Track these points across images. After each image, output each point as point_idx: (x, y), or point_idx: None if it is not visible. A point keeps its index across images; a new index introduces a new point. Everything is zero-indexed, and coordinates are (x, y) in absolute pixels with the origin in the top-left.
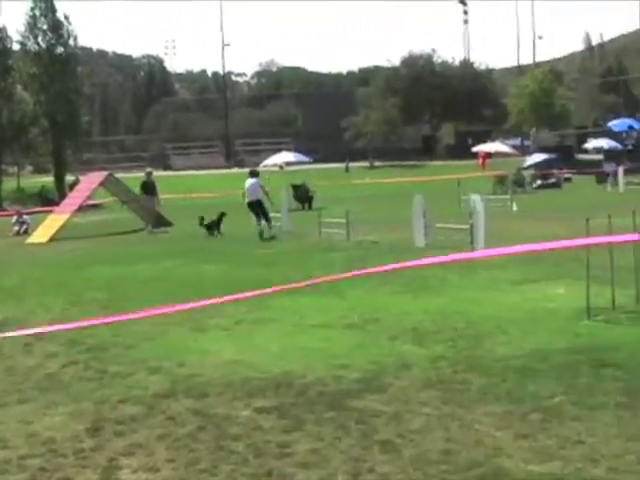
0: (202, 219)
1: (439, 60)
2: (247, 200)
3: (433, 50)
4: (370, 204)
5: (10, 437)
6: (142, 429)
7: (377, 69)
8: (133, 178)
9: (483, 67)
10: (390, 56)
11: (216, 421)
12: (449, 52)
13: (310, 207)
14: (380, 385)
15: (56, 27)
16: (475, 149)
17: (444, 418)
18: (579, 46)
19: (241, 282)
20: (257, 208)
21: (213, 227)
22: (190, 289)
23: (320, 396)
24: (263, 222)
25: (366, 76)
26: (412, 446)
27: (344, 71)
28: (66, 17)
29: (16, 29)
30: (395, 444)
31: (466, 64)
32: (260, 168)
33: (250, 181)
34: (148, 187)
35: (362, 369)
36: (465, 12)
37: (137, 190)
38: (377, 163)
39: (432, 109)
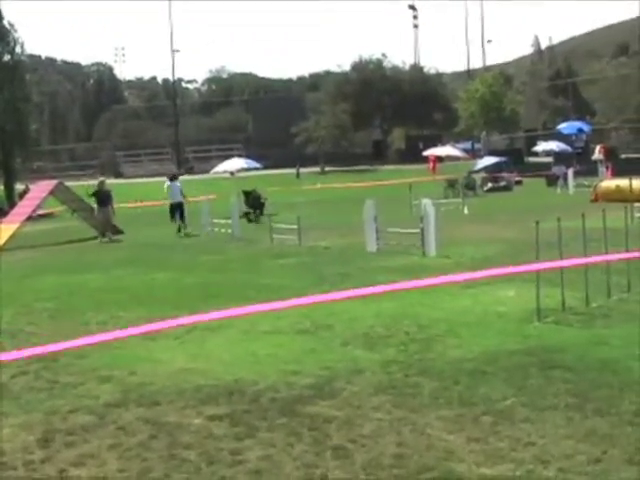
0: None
1: (389, 65)
2: (170, 202)
3: (383, 55)
4: (321, 209)
5: None
6: (93, 439)
7: (327, 74)
8: (83, 186)
9: (433, 71)
10: (340, 61)
11: (168, 429)
12: (399, 57)
13: (261, 213)
14: (332, 390)
15: (2, 35)
16: (426, 153)
17: (396, 423)
18: (528, 49)
19: (191, 289)
20: (178, 209)
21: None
22: (140, 298)
23: (272, 403)
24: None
25: (316, 81)
26: (364, 451)
27: (294, 76)
28: (11, 24)
29: None
30: (347, 449)
31: (416, 68)
32: (211, 175)
33: (173, 184)
34: (101, 196)
35: (314, 375)
36: (415, 17)
37: (89, 199)
38: (328, 168)
39: (383, 114)
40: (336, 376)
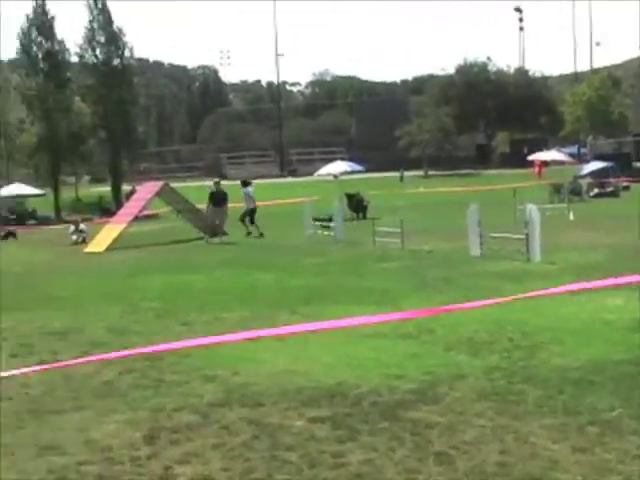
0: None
1: (494, 68)
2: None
3: (488, 58)
4: (424, 213)
5: (68, 444)
6: (197, 438)
7: (431, 77)
8: (188, 187)
9: (538, 74)
10: (444, 65)
11: (270, 430)
12: (504, 60)
13: (364, 217)
14: (434, 396)
15: (113, 39)
16: (531, 157)
17: (499, 430)
18: (637, 52)
19: (294, 291)
20: (248, 214)
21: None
22: (244, 299)
23: (374, 406)
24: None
25: (420, 85)
26: (467, 458)
27: (398, 80)
28: (120, 29)
29: (74, 42)
30: (450, 456)
31: (521, 71)
32: (314, 177)
33: (244, 190)
34: (217, 197)
35: (416, 379)
36: (520, 19)
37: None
38: (431, 172)
39: (487, 117)
40: (439, 381)
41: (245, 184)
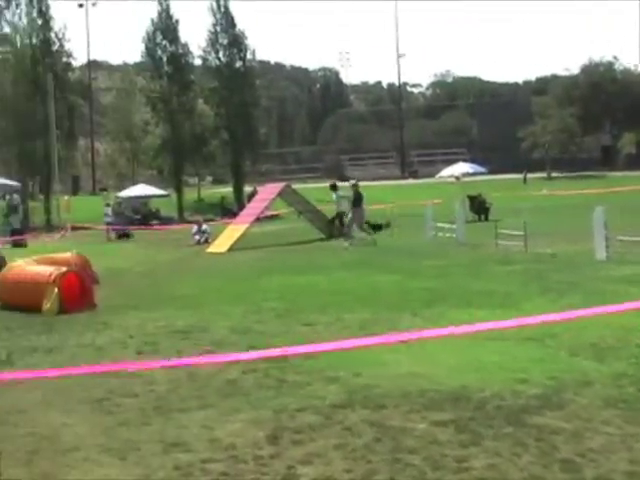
0: None
1: (620, 67)
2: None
3: (615, 57)
4: (548, 216)
5: (193, 441)
6: (319, 438)
7: (554, 78)
8: (309, 189)
9: None
10: (568, 64)
11: (392, 433)
12: (631, 58)
13: (486, 219)
14: (560, 402)
15: (236, 42)
16: None
17: (627, 438)
18: None
19: (415, 293)
20: (338, 217)
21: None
22: (365, 301)
23: (498, 411)
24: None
25: (543, 85)
26: (593, 466)
27: (520, 80)
28: (242, 32)
29: (197, 45)
30: (576, 463)
31: None
32: (436, 179)
33: (335, 194)
34: (355, 197)
35: (541, 384)
36: None
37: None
38: (554, 174)
39: (612, 118)
40: (564, 387)
41: (333, 187)
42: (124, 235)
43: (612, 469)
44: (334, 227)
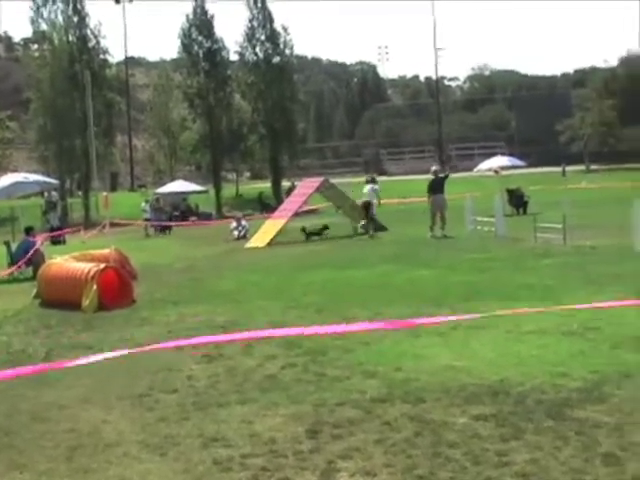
0: None
1: None
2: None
3: None
4: (587, 209)
5: (232, 436)
6: (359, 433)
7: (593, 70)
8: (347, 183)
9: None
10: (607, 57)
11: (433, 427)
12: None
13: (525, 212)
14: (601, 395)
15: (273, 37)
16: None
17: None
18: None
19: (455, 287)
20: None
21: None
22: (405, 295)
23: (538, 405)
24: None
25: (582, 77)
26: (636, 460)
27: (558, 73)
28: (284, 28)
29: (234, 40)
30: (618, 457)
31: None
32: (474, 172)
33: (368, 186)
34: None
35: (582, 378)
36: None
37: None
38: (594, 167)
39: None
40: (605, 380)
41: (371, 181)
42: (163, 229)
43: None
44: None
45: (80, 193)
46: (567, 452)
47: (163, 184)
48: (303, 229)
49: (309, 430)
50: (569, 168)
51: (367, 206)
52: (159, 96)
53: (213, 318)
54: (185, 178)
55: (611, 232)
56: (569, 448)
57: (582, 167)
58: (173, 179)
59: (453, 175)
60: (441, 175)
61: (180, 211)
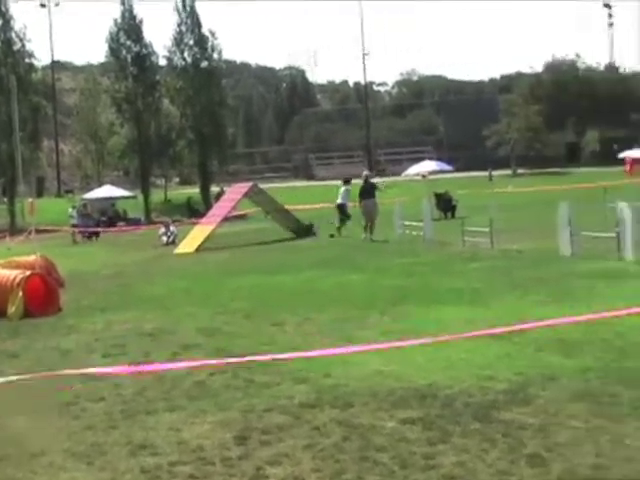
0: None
1: (583, 65)
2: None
3: (577, 55)
4: (514, 212)
5: (160, 444)
6: (288, 438)
7: (519, 76)
8: (276, 188)
9: (629, 71)
10: (532, 63)
11: (361, 431)
12: (593, 57)
13: (453, 216)
14: (526, 397)
15: (202, 42)
16: (622, 155)
17: (593, 432)
18: None
19: (384, 292)
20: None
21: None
22: (334, 300)
23: (466, 407)
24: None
25: (508, 83)
26: (561, 460)
27: (486, 78)
28: (212, 32)
29: (163, 45)
30: (543, 458)
31: (611, 68)
32: (402, 177)
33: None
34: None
35: (508, 380)
36: (610, 15)
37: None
38: (520, 171)
39: (576, 115)
40: (530, 382)
41: (347, 182)
42: (91, 236)
43: (579, 463)
44: (309, 226)
45: (5, 199)
46: (494, 454)
47: (91, 189)
48: (290, 229)
49: (237, 437)
50: (496, 172)
51: (341, 207)
52: (86, 100)
53: (141, 325)
54: (113, 183)
55: (537, 235)
56: (495, 450)
57: (509, 171)
58: (101, 184)
59: (382, 179)
60: (371, 181)
61: (108, 217)
